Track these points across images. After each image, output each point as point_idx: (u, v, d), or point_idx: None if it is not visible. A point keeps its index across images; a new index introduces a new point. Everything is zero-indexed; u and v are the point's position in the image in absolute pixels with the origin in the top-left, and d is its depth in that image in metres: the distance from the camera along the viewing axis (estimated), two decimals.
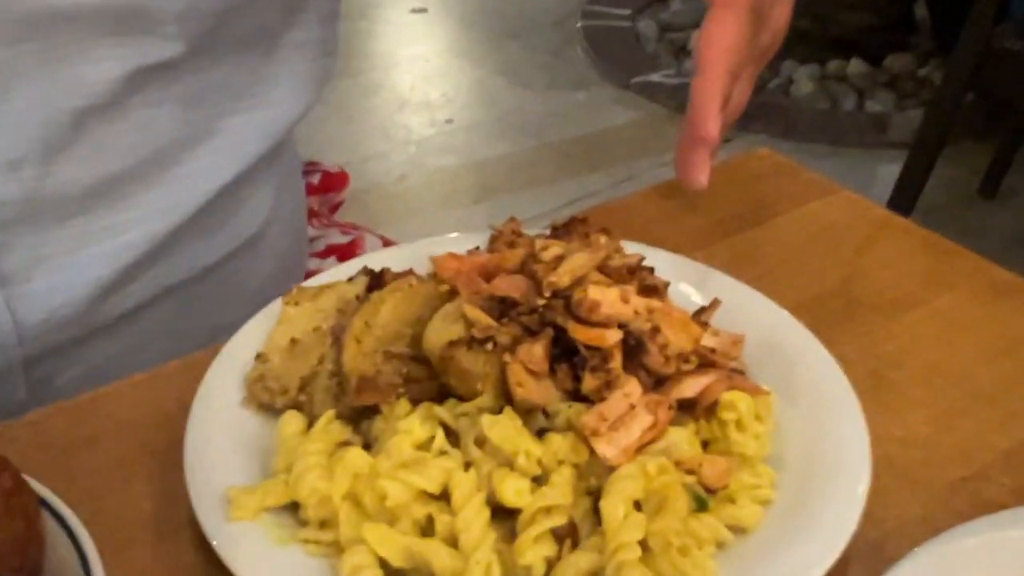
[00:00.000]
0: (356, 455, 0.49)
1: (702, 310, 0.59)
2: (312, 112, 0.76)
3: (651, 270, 0.60)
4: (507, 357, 0.52)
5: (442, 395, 0.54)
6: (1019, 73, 1.88)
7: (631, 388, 0.51)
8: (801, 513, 0.50)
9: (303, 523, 0.49)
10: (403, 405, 0.53)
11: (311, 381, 0.56)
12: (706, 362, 0.56)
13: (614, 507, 0.47)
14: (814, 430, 0.54)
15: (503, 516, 0.49)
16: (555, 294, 0.54)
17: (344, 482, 0.49)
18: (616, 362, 0.52)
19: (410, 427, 0.50)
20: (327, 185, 1.07)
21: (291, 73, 0.72)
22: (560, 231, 0.64)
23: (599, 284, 0.54)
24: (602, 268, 0.57)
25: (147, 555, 0.51)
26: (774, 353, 0.59)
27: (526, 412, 0.52)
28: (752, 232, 0.75)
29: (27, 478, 0.45)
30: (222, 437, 0.53)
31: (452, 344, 0.53)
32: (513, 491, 0.48)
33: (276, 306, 0.61)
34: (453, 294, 0.57)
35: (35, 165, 0.60)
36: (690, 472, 0.50)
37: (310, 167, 1.09)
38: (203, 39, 0.64)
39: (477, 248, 0.65)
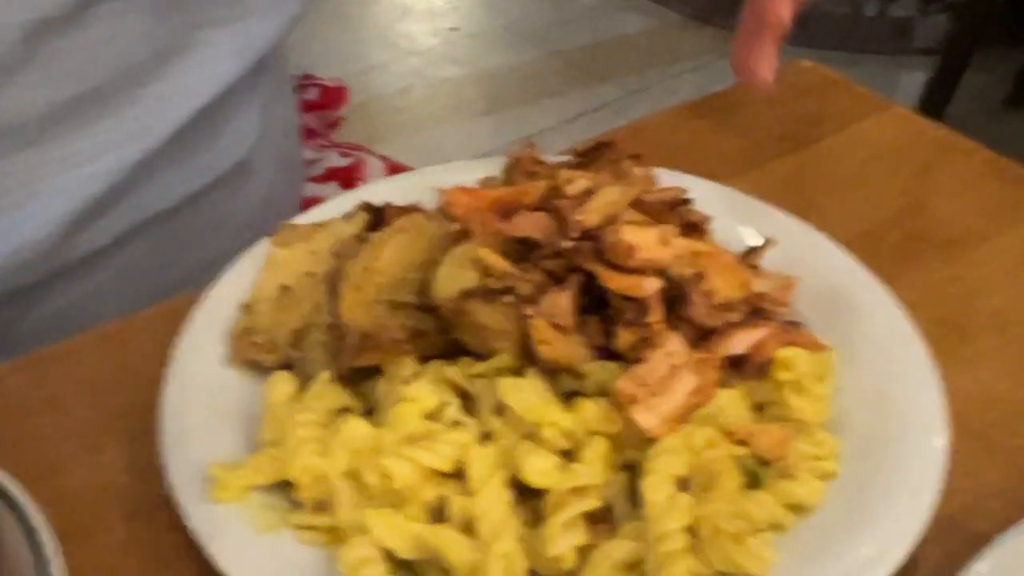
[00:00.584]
0: (355, 426, 0.43)
1: (751, 251, 0.52)
2: (307, 21, 0.69)
3: (691, 204, 0.52)
4: (529, 310, 0.45)
5: (454, 351, 0.47)
6: None
7: (673, 346, 0.44)
8: (869, 489, 0.43)
9: (296, 506, 0.43)
10: (409, 364, 0.46)
11: (304, 336, 0.49)
12: (755, 310, 0.49)
13: (656, 489, 0.41)
14: (879, 390, 0.47)
15: (527, 495, 0.42)
16: (583, 235, 0.47)
17: (342, 458, 0.42)
18: (656, 315, 0.45)
19: (418, 393, 0.43)
20: (325, 101, 0.99)
21: None
22: (583, 158, 0.57)
23: (634, 223, 0.47)
24: (636, 204, 0.49)
25: (117, 539, 0.45)
26: (830, 299, 0.52)
27: (551, 373, 0.45)
28: (795, 156, 0.67)
29: None
30: (202, 403, 0.47)
31: (465, 295, 0.46)
32: (538, 470, 0.41)
33: (264, 247, 0.53)
34: (465, 234, 0.50)
35: None
36: (741, 443, 0.44)
37: (306, 81, 1.01)
38: None
39: (491, 178, 0.57)
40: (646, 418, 0.43)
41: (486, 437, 0.43)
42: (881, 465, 0.44)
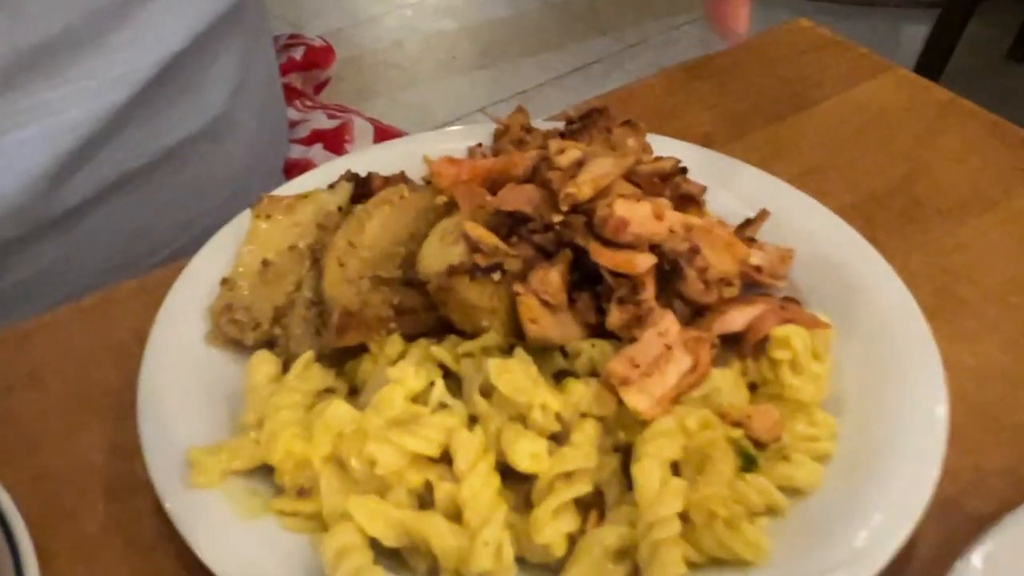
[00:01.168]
0: (339, 409, 0.41)
1: (747, 223, 0.50)
2: None
3: (685, 174, 0.51)
4: (518, 287, 0.44)
5: (441, 328, 0.46)
6: None
7: (666, 324, 0.43)
8: (866, 470, 0.42)
9: (278, 491, 0.42)
10: (395, 343, 0.45)
11: (286, 312, 0.47)
12: (751, 285, 0.48)
13: (648, 473, 0.39)
14: (878, 368, 0.46)
15: (515, 479, 0.41)
16: (574, 208, 0.45)
17: (325, 443, 0.41)
18: (648, 292, 0.44)
19: (403, 375, 0.42)
20: (311, 60, 0.96)
21: None
22: (577, 125, 0.55)
23: (627, 197, 0.45)
24: (629, 175, 0.48)
25: (96, 521, 0.43)
26: (828, 272, 0.50)
27: (541, 352, 0.44)
28: (793, 119, 0.65)
29: None
30: (182, 382, 0.45)
31: (452, 270, 0.44)
32: (527, 455, 0.40)
33: (246, 218, 0.52)
34: (452, 206, 0.48)
35: None
36: (736, 425, 0.42)
37: (292, 40, 0.98)
38: None
39: (479, 146, 0.56)
40: (638, 400, 0.41)
41: (473, 420, 0.42)
42: (878, 445, 0.43)
